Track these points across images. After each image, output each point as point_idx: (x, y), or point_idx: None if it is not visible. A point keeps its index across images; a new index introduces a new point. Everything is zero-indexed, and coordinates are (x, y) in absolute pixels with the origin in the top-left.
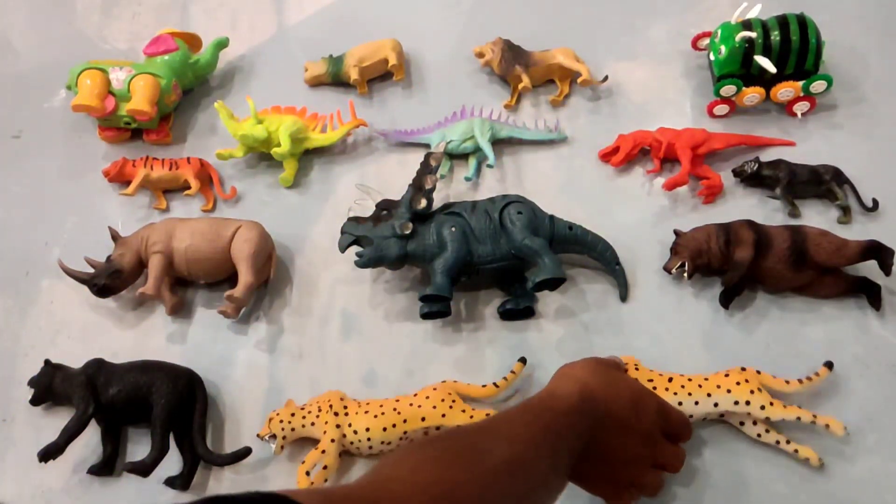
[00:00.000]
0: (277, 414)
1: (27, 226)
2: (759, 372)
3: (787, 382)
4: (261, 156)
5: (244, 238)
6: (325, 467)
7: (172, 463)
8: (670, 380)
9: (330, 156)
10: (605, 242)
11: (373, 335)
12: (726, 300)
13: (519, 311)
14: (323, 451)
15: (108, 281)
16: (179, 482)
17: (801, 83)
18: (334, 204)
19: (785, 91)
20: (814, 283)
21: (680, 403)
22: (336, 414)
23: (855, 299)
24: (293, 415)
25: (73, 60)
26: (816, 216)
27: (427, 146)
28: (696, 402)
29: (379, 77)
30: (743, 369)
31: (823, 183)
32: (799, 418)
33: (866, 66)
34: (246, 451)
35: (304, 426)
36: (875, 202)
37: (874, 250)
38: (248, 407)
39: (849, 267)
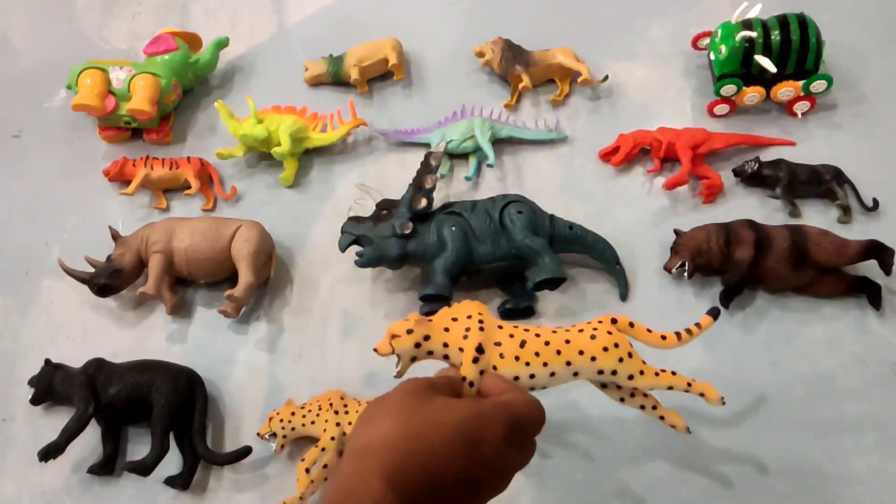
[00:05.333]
0: (277, 413)
1: (27, 226)
2: (632, 324)
3: (664, 337)
4: (261, 155)
5: (244, 238)
6: (325, 465)
7: (172, 462)
8: (522, 343)
9: (330, 155)
10: (605, 242)
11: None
12: (726, 300)
13: (519, 310)
14: (323, 449)
15: (108, 280)
16: (179, 482)
17: (801, 83)
18: (334, 204)
19: (785, 91)
20: (814, 283)
21: (532, 376)
22: (336, 412)
23: (855, 299)
24: (293, 414)
25: (73, 60)
26: (816, 216)
27: (427, 146)
28: (553, 374)
29: (379, 77)
30: (614, 321)
31: (823, 183)
32: (671, 387)
33: (866, 66)
34: (246, 451)
35: (304, 425)
36: (875, 202)
37: (874, 250)
38: (248, 406)
39: (849, 266)
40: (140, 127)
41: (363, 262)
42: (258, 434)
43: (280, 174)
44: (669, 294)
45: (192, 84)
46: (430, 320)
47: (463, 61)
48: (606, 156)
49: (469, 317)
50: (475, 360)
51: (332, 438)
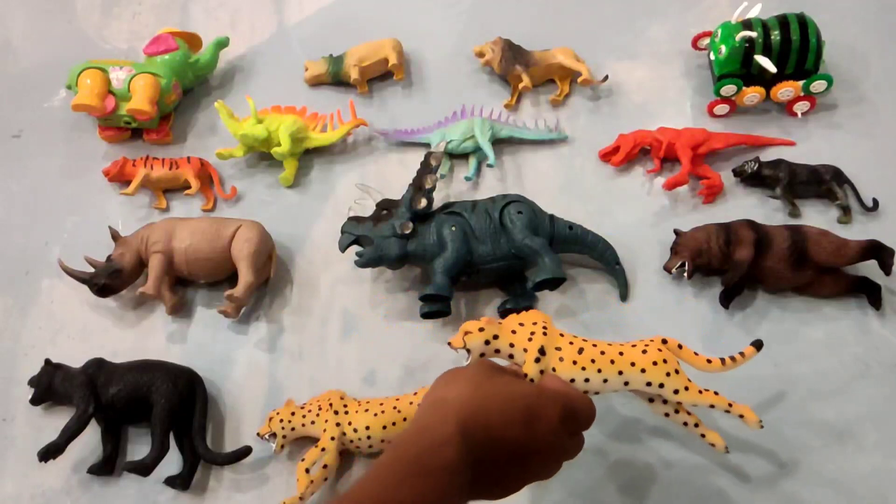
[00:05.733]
0: (277, 413)
1: (27, 225)
2: (680, 346)
3: (709, 361)
4: (261, 155)
5: (244, 238)
6: (325, 465)
7: (172, 462)
8: (580, 351)
9: (330, 155)
10: (605, 242)
11: (373, 335)
12: (726, 300)
13: (519, 310)
14: (323, 450)
15: (108, 280)
16: (179, 482)
17: (801, 83)
18: (334, 204)
19: (785, 91)
20: (814, 283)
21: (587, 380)
22: (336, 412)
23: (855, 299)
24: (293, 414)
25: (73, 60)
26: (816, 216)
27: (427, 146)
28: (605, 381)
29: (379, 77)
30: (664, 342)
31: (823, 183)
32: (713, 406)
33: (866, 66)
34: (246, 451)
35: (304, 425)
36: (875, 202)
37: (874, 250)
38: (248, 406)
39: (849, 267)
40: (140, 127)
41: (363, 262)
42: (258, 434)
43: (280, 174)
44: (669, 294)
45: (192, 84)
46: (500, 322)
47: (463, 61)
48: (606, 156)
49: (535, 323)
50: (537, 360)
51: (332, 438)
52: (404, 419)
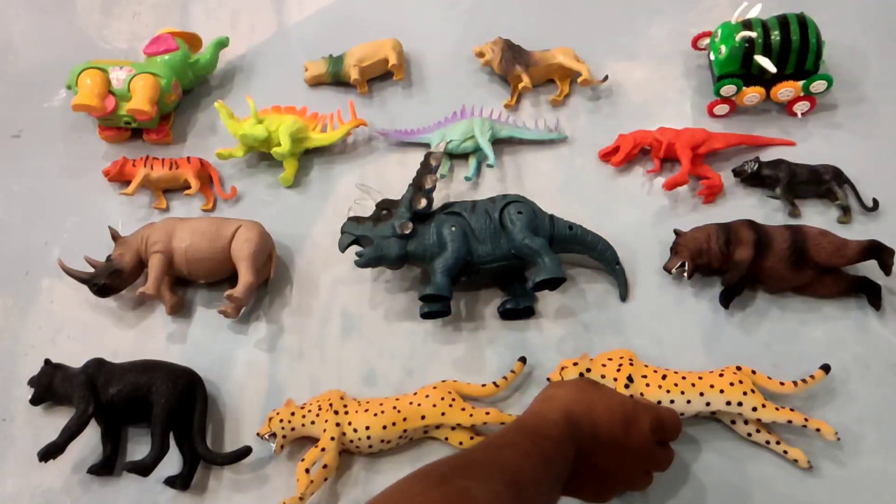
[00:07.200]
0: (277, 413)
1: (27, 226)
2: (754, 372)
3: (782, 384)
4: (261, 155)
5: (244, 237)
6: (324, 466)
7: (172, 462)
8: (664, 377)
9: (330, 156)
10: (605, 242)
11: (373, 335)
12: (726, 300)
13: (519, 310)
14: (323, 450)
15: (108, 280)
16: (179, 482)
17: (801, 83)
18: (334, 204)
19: (785, 91)
20: (814, 283)
21: (672, 402)
22: (336, 412)
23: (855, 299)
24: (293, 414)
25: (73, 60)
26: (816, 216)
27: (427, 146)
28: (689, 402)
29: (379, 77)
30: (738, 368)
31: (823, 183)
32: (790, 421)
33: (866, 66)
34: (246, 451)
35: (303, 425)
36: (875, 202)
37: (874, 250)
38: (248, 406)
39: (849, 267)
40: (140, 127)
41: (363, 262)
42: (258, 434)
43: (280, 174)
44: (669, 294)
45: (192, 84)
46: (592, 359)
47: (463, 61)
48: (606, 156)
49: (621, 357)
50: (626, 387)
51: (332, 438)
52: (404, 419)
